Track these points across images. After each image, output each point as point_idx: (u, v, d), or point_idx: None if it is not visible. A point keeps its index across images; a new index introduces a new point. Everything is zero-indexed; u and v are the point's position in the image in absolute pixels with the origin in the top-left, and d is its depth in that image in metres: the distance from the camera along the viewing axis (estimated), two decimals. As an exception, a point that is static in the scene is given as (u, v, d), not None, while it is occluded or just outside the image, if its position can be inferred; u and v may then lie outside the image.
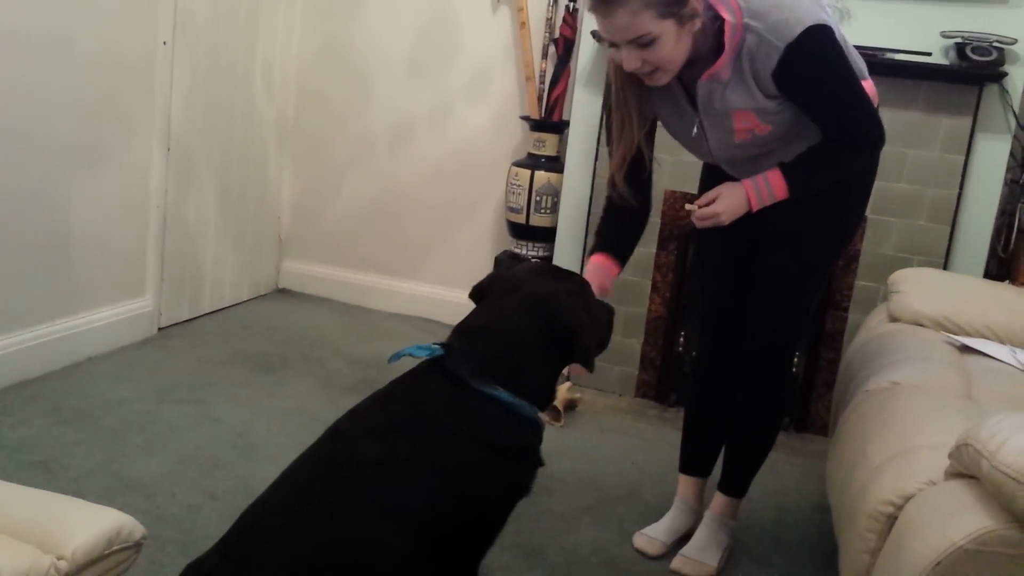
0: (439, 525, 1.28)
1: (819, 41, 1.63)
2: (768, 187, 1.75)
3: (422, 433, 1.31)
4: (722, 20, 1.64)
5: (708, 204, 1.78)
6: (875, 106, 1.80)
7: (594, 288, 1.68)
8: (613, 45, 1.65)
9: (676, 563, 2.03)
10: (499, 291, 1.48)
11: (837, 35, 1.69)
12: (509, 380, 1.37)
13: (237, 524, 1.32)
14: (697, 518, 2.15)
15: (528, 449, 1.40)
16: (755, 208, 1.76)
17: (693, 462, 2.18)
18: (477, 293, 1.54)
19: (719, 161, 1.89)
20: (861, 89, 1.72)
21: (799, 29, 1.60)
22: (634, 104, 1.76)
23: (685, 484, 2.18)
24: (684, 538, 2.11)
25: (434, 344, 1.42)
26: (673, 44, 1.61)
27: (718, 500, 2.10)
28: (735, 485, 2.10)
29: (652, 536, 2.10)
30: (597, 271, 1.87)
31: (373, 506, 1.25)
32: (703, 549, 2.04)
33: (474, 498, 1.32)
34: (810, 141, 1.76)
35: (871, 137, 1.75)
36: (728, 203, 1.76)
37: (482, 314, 1.46)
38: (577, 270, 3.17)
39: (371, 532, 1.24)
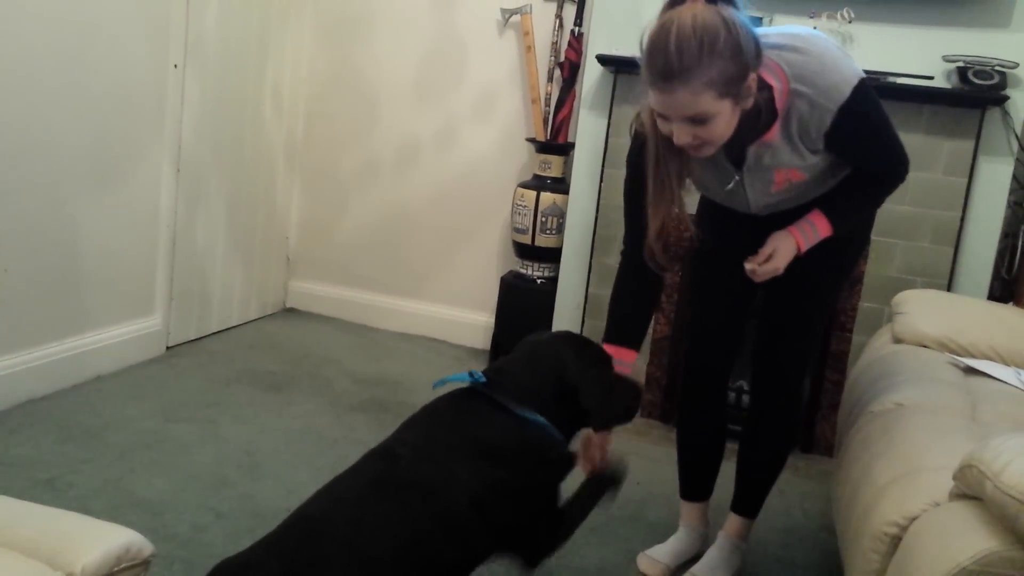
0: (498, 533, 1.41)
1: (866, 96, 1.66)
2: (814, 229, 1.79)
3: (477, 453, 1.42)
4: (768, 87, 1.63)
5: (765, 260, 1.78)
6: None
7: None
8: (662, 117, 1.61)
9: None
10: (521, 346, 1.64)
11: (871, 89, 1.70)
12: (541, 409, 1.52)
13: (291, 526, 1.33)
14: (703, 540, 2.15)
15: (569, 458, 1.58)
16: (804, 250, 1.79)
17: (693, 488, 2.17)
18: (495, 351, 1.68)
19: (754, 210, 1.87)
20: (896, 135, 1.76)
21: (848, 90, 1.62)
22: (675, 169, 1.72)
23: (688, 510, 2.18)
24: (689, 561, 2.11)
25: (475, 371, 1.55)
26: (727, 121, 1.59)
27: (733, 521, 2.11)
28: (749, 507, 2.10)
29: (656, 558, 2.10)
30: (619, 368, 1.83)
31: (436, 522, 1.33)
32: (714, 570, 2.04)
33: (529, 505, 1.47)
34: (836, 178, 1.80)
35: (905, 168, 1.79)
36: (784, 255, 1.78)
37: (508, 361, 1.61)
38: (581, 291, 3.21)
39: (438, 549, 1.32)
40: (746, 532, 2.11)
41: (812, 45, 1.66)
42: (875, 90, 1.70)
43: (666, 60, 1.51)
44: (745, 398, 2.78)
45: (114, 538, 1.15)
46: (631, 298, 1.90)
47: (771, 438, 2.05)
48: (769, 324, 1.98)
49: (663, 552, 2.12)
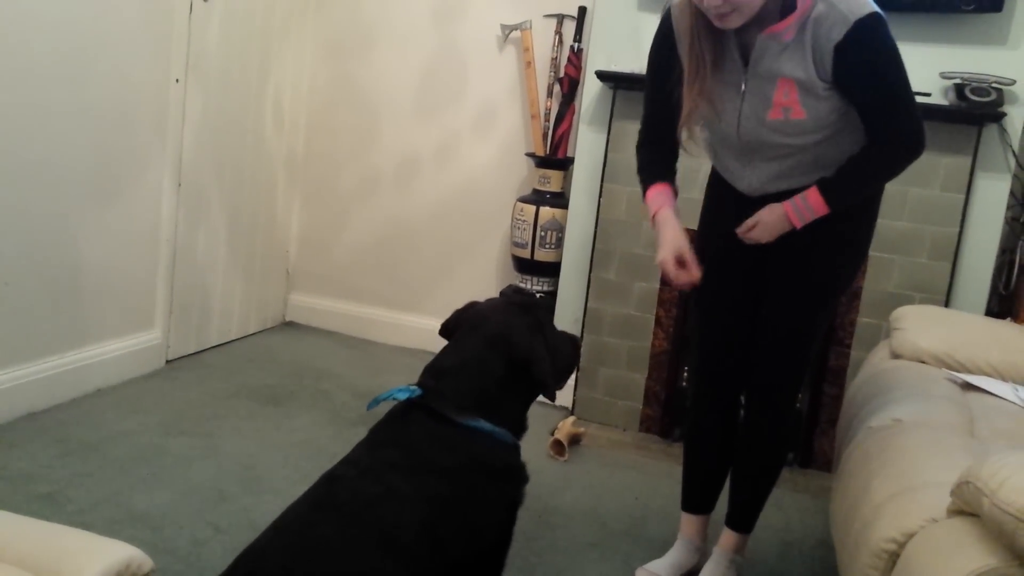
0: (449, 555, 1.31)
1: (884, 28, 1.66)
2: (807, 204, 1.78)
3: (419, 469, 1.35)
4: None
5: (749, 230, 1.84)
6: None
7: (669, 218, 1.84)
8: None
9: None
10: (463, 330, 1.58)
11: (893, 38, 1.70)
12: (487, 412, 1.45)
13: (236, 566, 1.28)
14: (701, 555, 2.15)
15: (518, 469, 1.49)
16: (798, 226, 1.80)
17: (695, 500, 2.17)
18: (445, 331, 1.62)
19: (742, 139, 1.84)
20: (908, 84, 1.71)
21: (869, 10, 1.64)
22: (708, 46, 1.74)
23: (688, 522, 2.17)
24: (688, 575, 2.10)
25: (411, 385, 1.48)
26: None
27: (727, 536, 2.10)
28: (743, 521, 2.10)
29: (655, 572, 2.10)
30: (662, 197, 1.90)
31: (379, 544, 1.26)
32: None
33: (480, 524, 1.38)
34: (835, 164, 1.79)
35: (918, 136, 1.72)
36: (770, 226, 1.82)
37: (450, 353, 1.55)
38: (580, 305, 3.21)
39: (379, 569, 1.24)
40: (741, 546, 2.11)
41: None
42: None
43: None
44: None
45: (114, 554, 1.15)
46: (660, 159, 1.95)
47: (761, 451, 2.05)
48: (764, 335, 1.98)
49: (662, 566, 2.11)
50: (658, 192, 1.92)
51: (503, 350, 1.51)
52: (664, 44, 1.84)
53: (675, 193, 1.94)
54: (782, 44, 1.69)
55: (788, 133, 1.77)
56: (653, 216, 1.89)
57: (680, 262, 1.83)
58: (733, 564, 2.09)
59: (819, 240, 1.85)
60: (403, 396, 1.46)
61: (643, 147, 2.00)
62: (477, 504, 1.38)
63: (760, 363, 1.99)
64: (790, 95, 1.71)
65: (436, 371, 1.52)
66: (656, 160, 1.97)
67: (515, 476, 1.48)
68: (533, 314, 1.60)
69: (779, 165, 1.83)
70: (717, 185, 2.02)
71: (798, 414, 2.86)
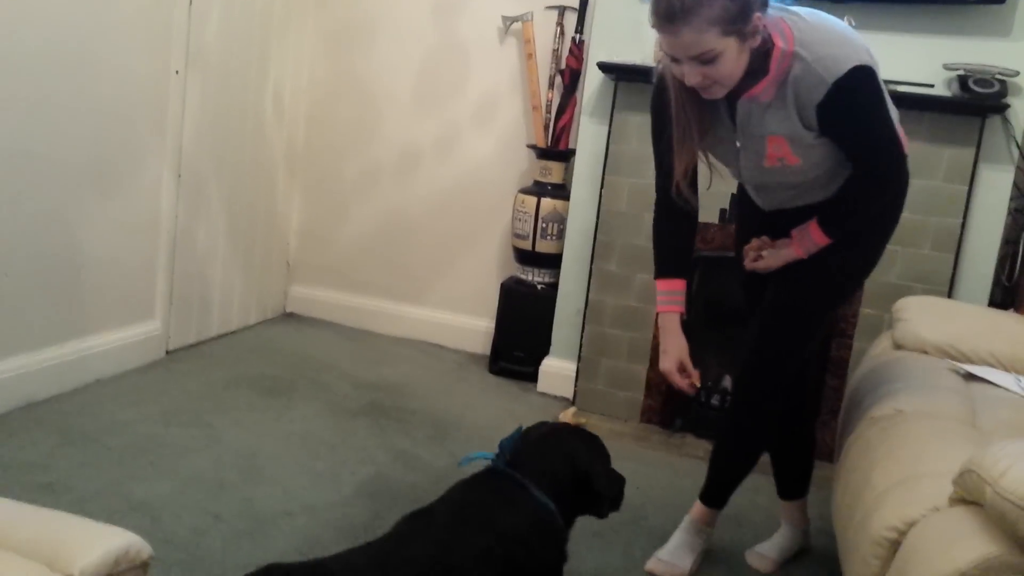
0: None
1: (865, 81, 1.69)
2: (809, 238, 1.89)
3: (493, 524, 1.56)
4: (772, 45, 1.69)
5: (755, 261, 1.98)
6: (905, 153, 1.87)
7: (674, 327, 1.96)
8: (674, 60, 1.69)
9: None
10: (536, 439, 1.74)
11: (879, 79, 1.74)
12: (554, 495, 1.65)
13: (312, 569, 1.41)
14: (804, 536, 2.25)
15: (564, 544, 1.69)
16: (804, 256, 1.91)
17: (781, 487, 2.25)
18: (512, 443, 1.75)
19: (746, 183, 1.98)
20: (895, 133, 1.79)
21: (847, 67, 1.66)
22: (694, 114, 1.81)
23: (783, 508, 2.26)
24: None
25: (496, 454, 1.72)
26: (734, 60, 1.66)
27: (698, 508, 2.15)
28: (713, 497, 2.15)
29: (764, 554, 2.20)
30: (672, 300, 1.98)
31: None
32: (678, 553, 2.11)
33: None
34: (837, 183, 1.86)
35: (899, 179, 1.83)
36: (774, 256, 1.95)
37: (528, 447, 1.72)
38: (582, 297, 3.21)
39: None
40: (712, 519, 2.15)
41: (827, 21, 1.73)
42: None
43: (668, 2, 1.59)
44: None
45: (113, 540, 1.15)
46: (670, 235, 2.01)
47: (738, 431, 2.09)
48: (758, 323, 2.02)
49: (769, 548, 2.22)
50: (669, 291, 1.99)
51: (570, 458, 1.69)
52: (659, 102, 1.89)
53: (686, 276, 2.01)
54: (762, 105, 1.76)
55: (788, 175, 1.86)
56: (658, 314, 2.02)
57: (682, 369, 1.97)
58: (701, 534, 2.15)
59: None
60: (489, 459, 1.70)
61: (658, 215, 2.01)
62: (535, 564, 1.57)
63: (751, 347, 2.02)
64: (781, 148, 1.79)
65: (514, 453, 1.70)
66: (673, 234, 2.01)
67: (563, 551, 1.67)
68: (596, 441, 1.79)
69: (789, 191, 1.93)
70: (742, 193, 2.12)
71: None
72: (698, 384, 1.99)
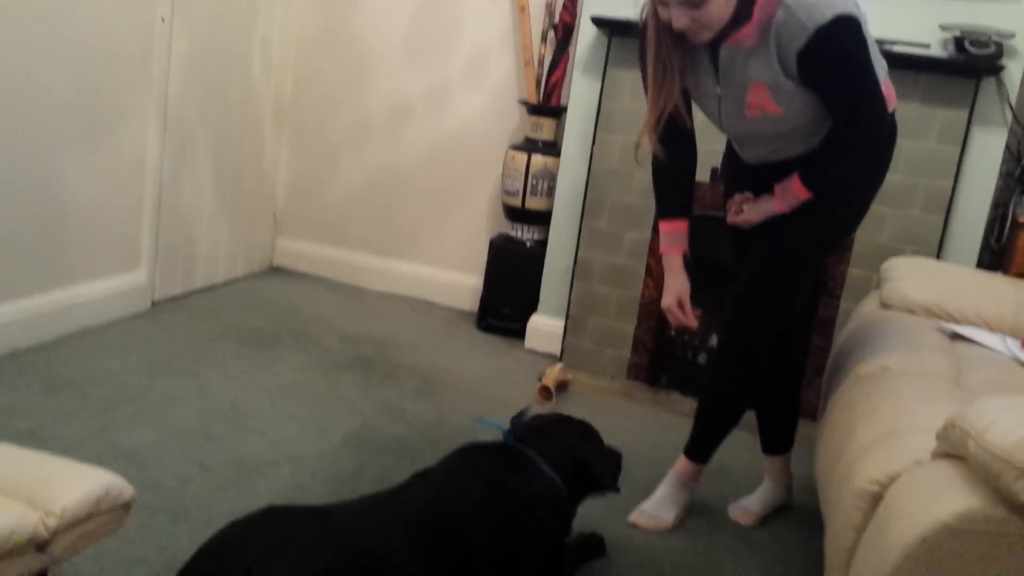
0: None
1: (847, 31, 1.67)
2: (791, 192, 1.89)
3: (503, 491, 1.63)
4: None
5: (737, 215, 2.00)
6: (890, 108, 1.86)
7: (677, 266, 2.01)
8: (662, 4, 1.70)
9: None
10: (536, 428, 1.83)
11: (864, 31, 1.71)
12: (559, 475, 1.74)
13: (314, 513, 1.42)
14: (786, 490, 2.28)
15: (570, 519, 1.78)
16: (786, 210, 1.91)
17: (765, 441, 2.27)
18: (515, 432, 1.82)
19: (728, 133, 1.97)
20: (877, 87, 1.76)
21: (830, 15, 1.64)
22: (676, 59, 1.81)
23: (768, 463, 2.28)
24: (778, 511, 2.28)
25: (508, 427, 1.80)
26: (723, 3, 1.66)
27: (682, 463, 2.17)
28: (697, 451, 2.16)
29: (748, 508, 2.23)
30: (675, 240, 2.02)
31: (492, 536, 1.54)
32: (663, 506, 2.14)
33: (540, 542, 1.64)
34: (816, 143, 1.85)
35: (879, 133, 1.81)
36: (755, 210, 1.96)
37: (535, 434, 1.81)
38: (571, 254, 3.20)
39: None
40: (696, 474, 2.17)
41: None
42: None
43: None
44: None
45: (94, 480, 1.15)
46: (669, 178, 2.03)
47: (723, 385, 2.10)
48: (742, 278, 2.04)
49: (753, 502, 2.24)
50: (671, 233, 2.03)
51: (568, 446, 1.79)
52: (644, 47, 1.87)
53: (687, 217, 2.03)
54: (745, 51, 1.75)
55: (768, 124, 1.85)
56: (661, 254, 2.06)
57: (681, 307, 2.02)
58: (685, 488, 2.17)
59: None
60: (497, 427, 1.81)
61: (654, 158, 1.99)
62: (542, 531, 1.64)
63: (734, 299, 2.03)
64: (762, 96, 1.79)
65: (520, 436, 1.79)
66: (673, 178, 2.02)
67: (569, 523, 1.77)
68: (586, 426, 1.90)
69: (771, 144, 1.92)
70: (730, 150, 2.12)
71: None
72: (696, 324, 2.05)
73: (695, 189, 2.09)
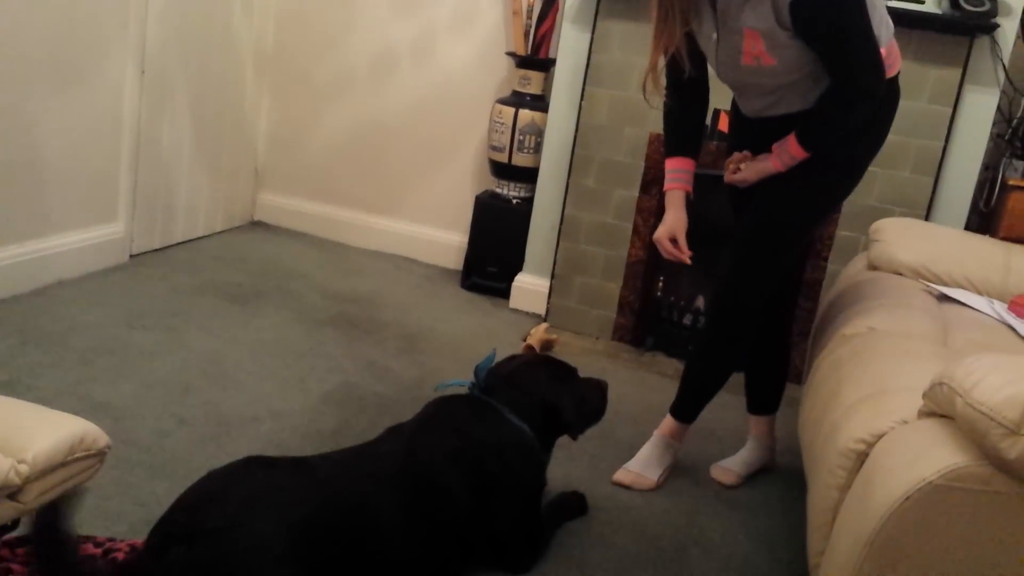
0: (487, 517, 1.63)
1: None
2: (787, 151, 1.88)
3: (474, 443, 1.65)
4: None
5: (734, 174, 1.99)
6: (892, 72, 1.83)
7: (677, 201, 2.00)
8: None
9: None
10: (505, 375, 1.81)
11: None
12: (528, 423, 1.75)
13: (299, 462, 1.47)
14: (768, 452, 2.29)
15: (544, 467, 1.82)
16: (782, 169, 1.90)
17: (751, 400, 2.28)
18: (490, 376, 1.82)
19: (724, 80, 1.95)
20: (875, 46, 1.73)
21: None
22: (680, 6, 1.80)
23: (753, 422, 2.28)
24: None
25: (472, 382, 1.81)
26: None
27: (668, 423, 2.17)
28: (683, 412, 2.16)
29: (729, 468, 2.23)
30: (680, 177, 2.01)
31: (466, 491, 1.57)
32: (648, 465, 2.15)
33: (515, 492, 1.68)
34: (814, 99, 1.83)
35: (875, 93, 1.78)
36: (752, 170, 1.95)
37: (499, 380, 1.80)
38: (558, 212, 3.16)
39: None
40: (680, 434, 2.17)
41: None
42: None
43: None
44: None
45: (68, 427, 1.12)
46: (680, 115, 2.03)
47: (712, 344, 2.09)
48: (737, 237, 2.02)
49: (735, 463, 2.25)
50: (675, 169, 2.02)
51: (537, 392, 1.78)
52: None
53: (695, 156, 2.03)
54: None
55: (763, 76, 1.84)
56: (664, 190, 2.05)
57: (673, 241, 2.00)
58: (670, 448, 2.17)
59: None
60: (464, 385, 1.80)
61: (670, 86, 1.99)
62: (516, 481, 1.67)
63: (729, 257, 2.02)
64: (756, 45, 1.77)
65: (487, 386, 1.79)
66: (684, 115, 2.02)
67: (543, 471, 1.79)
68: (561, 366, 1.88)
69: (769, 98, 1.91)
70: (735, 108, 2.10)
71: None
72: (688, 259, 2.02)
73: (704, 132, 2.08)
